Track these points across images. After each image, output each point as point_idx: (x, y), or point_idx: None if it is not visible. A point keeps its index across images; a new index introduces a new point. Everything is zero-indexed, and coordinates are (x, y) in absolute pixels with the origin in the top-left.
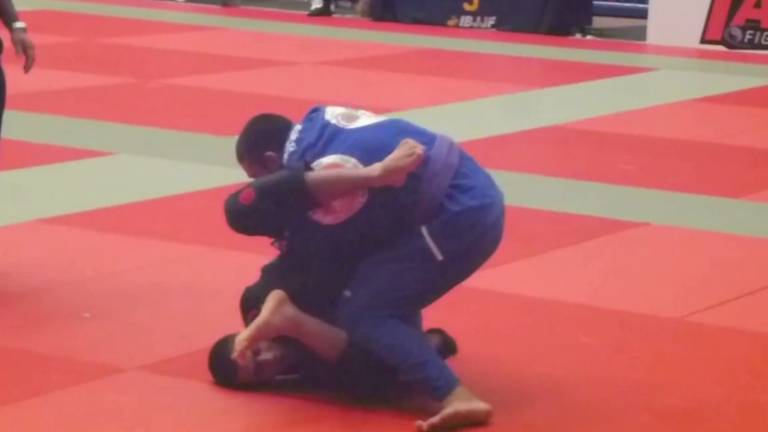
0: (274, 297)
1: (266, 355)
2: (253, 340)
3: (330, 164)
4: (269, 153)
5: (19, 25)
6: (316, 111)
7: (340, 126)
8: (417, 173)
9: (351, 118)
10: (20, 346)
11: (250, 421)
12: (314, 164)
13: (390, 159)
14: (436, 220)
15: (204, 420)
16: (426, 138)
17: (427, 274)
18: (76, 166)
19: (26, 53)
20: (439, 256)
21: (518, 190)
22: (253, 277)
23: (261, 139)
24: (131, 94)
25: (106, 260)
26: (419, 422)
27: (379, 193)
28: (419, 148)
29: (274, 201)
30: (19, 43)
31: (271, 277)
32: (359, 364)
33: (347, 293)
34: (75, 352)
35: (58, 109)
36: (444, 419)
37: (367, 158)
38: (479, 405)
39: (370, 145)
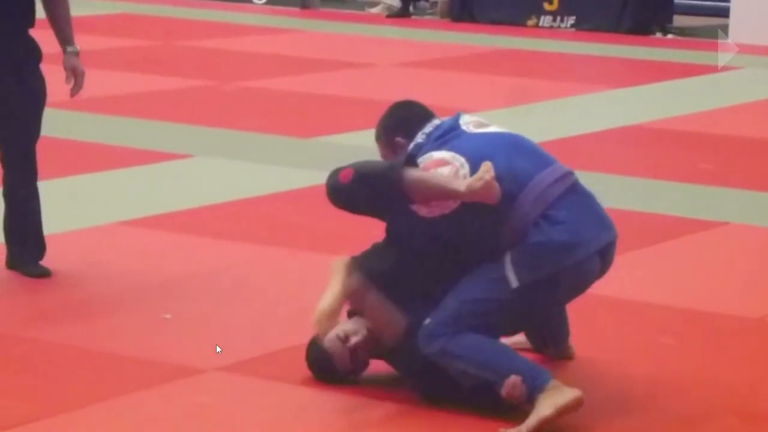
0: (342, 264)
1: (356, 338)
2: (333, 310)
3: (439, 159)
4: (399, 139)
5: (72, 49)
6: (457, 115)
7: (466, 130)
8: (514, 194)
9: (481, 126)
10: (101, 347)
11: (330, 421)
12: (425, 156)
13: (472, 179)
14: (518, 247)
15: (284, 419)
16: (540, 161)
17: (505, 303)
18: (154, 168)
19: (75, 80)
20: (515, 284)
21: (597, 189)
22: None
23: (396, 124)
24: (209, 97)
25: (185, 262)
26: (502, 430)
27: (471, 203)
28: (488, 175)
29: (368, 187)
30: (70, 69)
31: (375, 249)
32: (410, 355)
33: (427, 321)
34: (156, 353)
35: (137, 112)
36: (530, 430)
37: (473, 161)
38: (565, 398)
39: (480, 152)
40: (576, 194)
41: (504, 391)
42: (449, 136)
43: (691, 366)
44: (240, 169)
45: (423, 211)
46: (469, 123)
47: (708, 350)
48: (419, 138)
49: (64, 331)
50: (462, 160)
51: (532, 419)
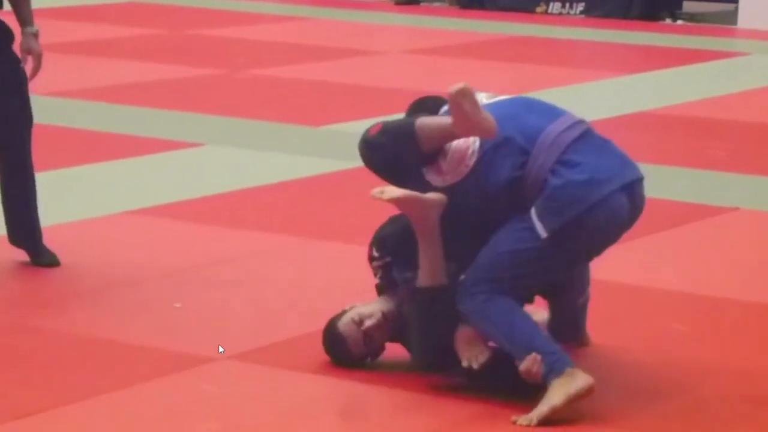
0: (439, 197)
1: (370, 322)
2: (398, 199)
3: None
4: None
5: (29, 29)
6: None
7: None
8: (526, 148)
9: (491, 98)
10: (111, 337)
11: (340, 409)
12: None
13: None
14: (541, 198)
15: (294, 408)
16: (550, 115)
17: (536, 254)
18: (165, 157)
19: (33, 62)
20: (543, 234)
21: None
22: (341, 267)
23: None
24: (219, 86)
25: (196, 251)
26: (514, 417)
27: (485, 164)
28: (453, 88)
29: (390, 137)
30: (26, 50)
31: (390, 218)
32: (429, 304)
33: (462, 277)
34: (164, 342)
35: (147, 101)
36: (541, 419)
37: None
38: (577, 386)
39: (494, 116)
40: (591, 138)
41: (523, 366)
42: None
43: (702, 352)
44: (250, 157)
45: (437, 180)
46: (481, 96)
47: (720, 336)
48: None
49: (72, 320)
50: None
51: (544, 407)
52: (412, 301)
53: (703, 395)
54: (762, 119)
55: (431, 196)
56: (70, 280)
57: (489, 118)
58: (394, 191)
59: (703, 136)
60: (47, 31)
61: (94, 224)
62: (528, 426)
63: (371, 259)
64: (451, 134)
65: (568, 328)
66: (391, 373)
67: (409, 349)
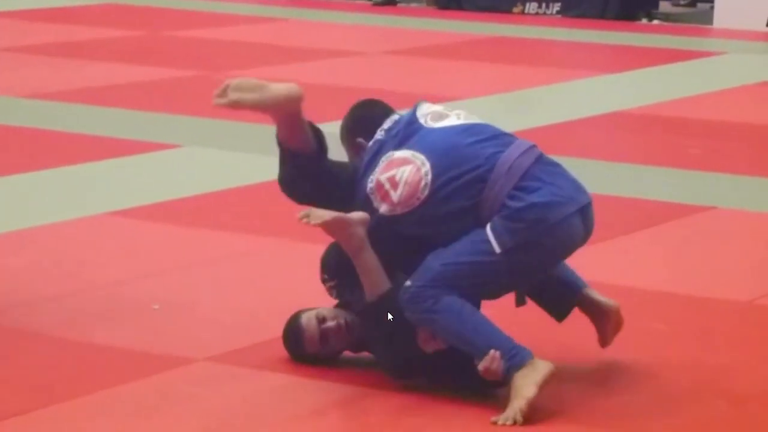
0: (361, 215)
1: (330, 324)
2: (324, 222)
3: (400, 157)
4: (359, 140)
5: None
6: (415, 106)
7: (424, 125)
8: (482, 176)
9: (439, 118)
10: (89, 339)
11: (322, 409)
12: (387, 155)
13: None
14: (499, 216)
15: (276, 409)
16: (502, 141)
17: (487, 267)
18: (142, 159)
19: None
20: (498, 249)
21: (585, 176)
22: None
23: (355, 125)
24: (198, 87)
25: (174, 252)
26: (494, 418)
27: (438, 198)
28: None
29: (280, 164)
30: None
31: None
32: (382, 315)
33: (408, 283)
34: (145, 344)
35: (125, 103)
36: (523, 414)
37: (433, 157)
38: (542, 373)
39: (440, 146)
40: (544, 164)
41: (482, 366)
42: (408, 132)
43: (680, 350)
44: (228, 158)
45: (384, 207)
46: (426, 115)
47: (697, 334)
48: (378, 134)
49: (50, 322)
50: (422, 158)
51: (521, 402)
52: (366, 319)
53: (678, 391)
54: (738, 118)
55: (354, 214)
56: (48, 281)
57: (280, 87)
58: (322, 215)
59: (679, 136)
60: (24, 33)
61: (72, 226)
62: (514, 425)
63: (323, 280)
64: (281, 120)
65: (559, 294)
66: (375, 375)
67: (376, 359)
